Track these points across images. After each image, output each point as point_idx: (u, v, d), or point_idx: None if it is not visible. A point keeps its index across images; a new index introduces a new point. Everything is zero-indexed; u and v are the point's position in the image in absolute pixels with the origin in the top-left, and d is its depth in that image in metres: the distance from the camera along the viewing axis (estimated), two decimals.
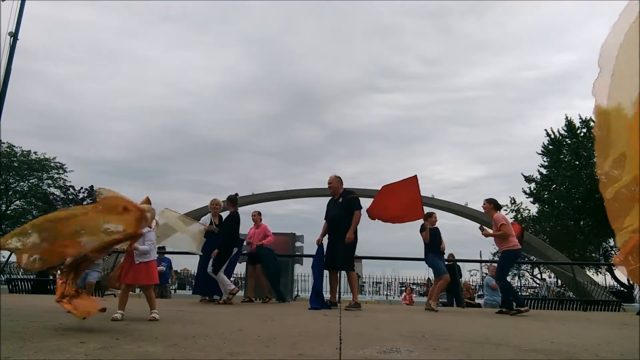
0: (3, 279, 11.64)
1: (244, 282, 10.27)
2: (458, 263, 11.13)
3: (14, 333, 3.09)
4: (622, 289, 25.51)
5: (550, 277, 31.59)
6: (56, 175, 33.50)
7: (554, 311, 9.63)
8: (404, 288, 20.39)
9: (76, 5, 73.00)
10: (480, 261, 19.80)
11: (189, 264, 23.22)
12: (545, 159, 32.13)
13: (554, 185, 30.83)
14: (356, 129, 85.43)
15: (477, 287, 18.74)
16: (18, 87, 43.44)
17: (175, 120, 78.43)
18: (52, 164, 33.08)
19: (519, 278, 32.80)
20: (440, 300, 11.93)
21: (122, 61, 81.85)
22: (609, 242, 29.63)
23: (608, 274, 28.26)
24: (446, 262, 11.53)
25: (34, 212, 32.75)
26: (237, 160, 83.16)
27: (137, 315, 4.16)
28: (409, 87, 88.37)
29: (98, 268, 7.81)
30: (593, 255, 31.01)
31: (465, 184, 73.01)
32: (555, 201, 30.32)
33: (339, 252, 6.57)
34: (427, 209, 7.68)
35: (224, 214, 7.84)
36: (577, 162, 29.05)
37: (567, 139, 30.83)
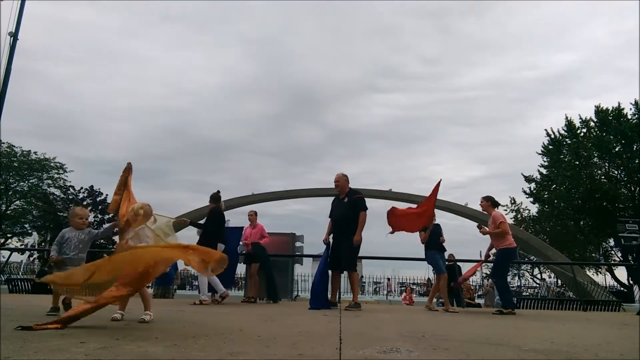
0: (3, 279, 11.65)
1: (244, 282, 10.26)
2: (458, 263, 11.13)
3: (14, 333, 3.09)
4: (622, 289, 25.52)
5: (550, 277, 31.63)
6: (56, 175, 33.53)
7: (554, 311, 9.63)
8: (404, 288, 20.39)
9: (76, 5, 72.96)
10: (480, 261, 19.79)
11: None
12: (545, 159, 32.16)
13: (554, 185, 30.84)
14: (356, 129, 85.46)
15: (477, 287, 18.75)
16: (18, 87, 43.41)
17: (175, 120, 78.45)
18: (52, 164, 33.09)
19: (519, 278, 32.83)
20: (440, 300, 11.95)
21: (122, 61, 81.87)
22: (609, 242, 29.66)
23: (608, 274, 28.29)
24: (446, 263, 11.57)
25: (34, 212, 32.77)
26: (237, 160, 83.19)
27: (137, 316, 4.15)
28: (409, 87, 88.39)
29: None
30: (593, 255, 31.02)
31: (465, 184, 72.97)
32: (555, 201, 30.33)
33: (343, 253, 6.55)
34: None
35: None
36: (577, 162, 29.04)
37: (567, 139, 30.84)
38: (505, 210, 34.46)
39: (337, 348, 2.85)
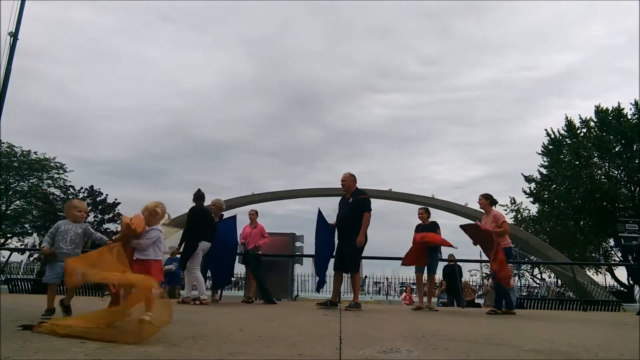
0: (3, 279, 11.64)
1: (244, 282, 10.25)
2: (458, 263, 11.14)
3: (14, 333, 3.09)
4: (622, 289, 25.52)
5: (550, 277, 31.60)
6: (56, 175, 33.49)
7: (554, 311, 9.64)
8: (404, 288, 20.37)
9: (76, 6, 72.95)
10: (481, 261, 19.80)
11: None
12: (545, 159, 32.16)
13: (554, 185, 30.84)
14: (356, 129, 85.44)
15: (478, 287, 18.73)
16: (18, 87, 43.46)
17: (175, 120, 78.42)
18: (52, 164, 33.05)
19: (519, 278, 32.80)
20: (440, 300, 11.95)
21: (122, 61, 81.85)
22: (609, 242, 29.66)
23: (608, 274, 28.28)
24: (446, 263, 11.58)
25: (34, 212, 32.75)
26: (237, 160, 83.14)
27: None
28: (408, 87, 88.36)
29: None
30: (593, 255, 31.02)
31: (465, 184, 72.92)
32: (555, 201, 30.33)
33: (346, 254, 6.56)
34: (415, 206, 7.74)
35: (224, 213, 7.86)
36: (577, 162, 29.04)
37: (567, 139, 30.84)
38: (505, 210, 34.49)
39: (337, 348, 2.85)
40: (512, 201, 34.61)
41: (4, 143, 29.87)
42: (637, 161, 27.74)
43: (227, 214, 7.99)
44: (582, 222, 30.22)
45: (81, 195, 33.83)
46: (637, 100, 28.57)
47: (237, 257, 8.09)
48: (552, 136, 31.43)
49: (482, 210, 6.93)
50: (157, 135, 75.47)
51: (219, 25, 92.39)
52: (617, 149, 28.54)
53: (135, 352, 2.58)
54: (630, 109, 28.77)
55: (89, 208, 33.37)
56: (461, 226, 6.87)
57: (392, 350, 2.83)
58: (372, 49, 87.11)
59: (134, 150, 71.37)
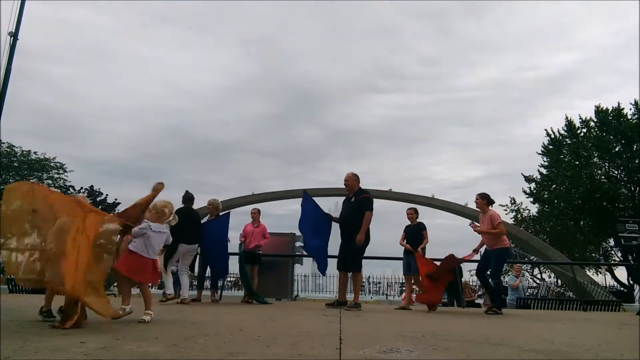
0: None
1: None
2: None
3: (14, 333, 3.09)
4: (622, 289, 25.51)
5: (550, 277, 31.57)
6: (56, 175, 33.46)
7: (554, 311, 9.63)
8: (404, 288, 20.35)
9: (76, 6, 72.92)
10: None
11: None
12: (545, 159, 32.12)
13: (554, 185, 30.81)
14: (356, 129, 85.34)
15: (478, 287, 18.72)
16: (18, 87, 43.42)
17: (175, 120, 78.34)
18: (52, 164, 33.04)
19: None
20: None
21: (122, 61, 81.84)
22: (609, 242, 29.64)
23: (608, 274, 28.26)
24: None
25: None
26: (237, 160, 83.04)
27: (137, 316, 4.15)
28: (408, 87, 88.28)
29: None
30: (593, 255, 31.00)
31: (465, 184, 72.79)
32: (555, 201, 30.31)
33: (347, 253, 6.57)
34: (418, 207, 7.80)
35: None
36: (577, 162, 29.01)
37: (567, 139, 30.81)
38: (505, 210, 34.46)
39: (337, 348, 2.85)
40: (512, 201, 34.59)
41: (4, 143, 29.87)
42: (637, 161, 27.73)
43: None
44: (582, 222, 30.20)
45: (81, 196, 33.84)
46: (637, 100, 28.56)
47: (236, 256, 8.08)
48: (552, 136, 31.41)
49: (479, 210, 6.93)
50: (157, 135, 75.45)
51: (219, 25, 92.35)
52: (617, 149, 28.51)
53: (136, 352, 2.58)
54: (630, 109, 28.77)
55: None
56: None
57: (392, 350, 2.83)
58: (372, 49, 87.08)
59: (134, 150, 71.29)
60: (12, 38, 10.01)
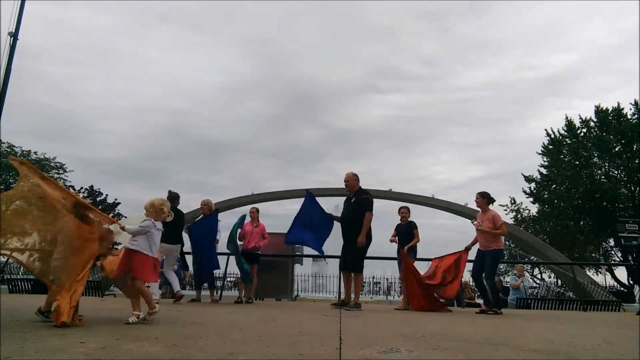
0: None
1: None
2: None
3: (14, 333, 3.09)
4: (622, 289, 25.52)
5: (550, 277, 31.58)
6: (56, 175, 33.44)
7: (554, 311, 9.63)
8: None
9: (76, 6, 72.90)
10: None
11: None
12: (545, 159, 32.15)
13: (554, 185, 30.82)
14: (356, 129, 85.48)
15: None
16: (18, 87, 43.45)
17: (175, 120, 78.44)
18: (52, 164, 33.08)
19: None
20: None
21: (122, 61, 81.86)
22: (609, 242, 29.64)
23: (608, 274, 28.27)
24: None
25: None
26: (237, 160, 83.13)
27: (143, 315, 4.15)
28: (408, 87, 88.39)
29: None
30: (593, 255, 31.00)
31: (465, 184, 72.88)
32: (555, 201, 30.31)
33: (349, 254, 6.57)
34: (418, 207, 7.80)
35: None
36: (577, 162, 29.02)
37: (567, 139, 30.83)
38: (505, 210, 34.49)
39: (337, 348, 2.85)
40: (512, 201, 34.61)
41: (4, 143, 29.87)
42: (637, 161, 27.74)
43: (227, 214, 8.00)
44: (582, 222, 30.21)
45: (81, 196, 33.84)
46: (637, 100, 28.59)
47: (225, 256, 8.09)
48: (552, 136, 31.43)
49: (479, 208, 6.92)
50: (157, 135, 75.53)
51: (218, 25, 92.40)
52: (617, 149, 28.53)
53: (136, 352, 2.58)
54: (630, 109, 28.79)
55: None
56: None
57: (392, 350, 2.82)
58: (372, 49, 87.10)
59: (134, 150, 71.39)
60: (12, 38, 10.01)
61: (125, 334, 3.19)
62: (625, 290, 24.20)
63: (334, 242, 7.53)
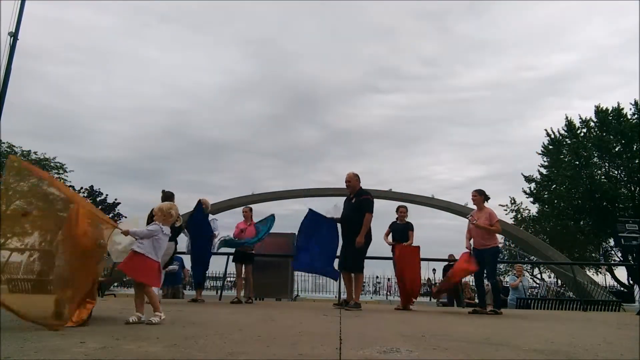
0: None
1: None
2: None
3: (14, 333, 3.09)
4: (622, 289, 25.50)
5: (550, 277, 31.59)
6: (56, 175, 33.47)
7: (554, 311, 9.63)
8: None
9: (76, 6, 72.92)
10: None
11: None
12: (545, 159, 32.15)
13: (554, 185, 30.82)
14: (356, 129, 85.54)
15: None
16: (18, 87, 43.44)
17: (175, 120, 78.52)
18: (52, 164, 33.07)
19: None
20: (440, 300, 11.90)
21: (122, 61, 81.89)
22: (609, 242, 29.63)
23: (608, 274, 28.26)
24: (446, 262, 11.54)
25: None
26: (237, 160, 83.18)
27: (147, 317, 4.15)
28: (408, 87, 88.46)
29: None
30: (593, 255, 30.99)
31: (465, 184, 72.98)
32: (555, 201, 30.31)
33: (349, 254, 6.58)
34: (418, 207, 7.78)
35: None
36: (577, 162, 29.01)
37: (567, 139, 30.83)
38: (505, 210, 34.50)
39: (337, 348, 2.85)
40: (512, 201, 34.63)
41: (4, 143, 29.86)
42: (637, 161, 27.73)
43: (227, 214, 7.99)
44: (582, 222, 30.20)
45: (81, 196, 33.84)
46: (637, 100, 28.59)
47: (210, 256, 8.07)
48: (552, 136, 31.43)
49: (475, 206, 6.93)
50: (157, 135, 75.57)
51: (218, 25, 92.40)
52: (617, 149, 28.53)
53: (136, 352, 2.58)
54: (630, 109, 28.80)
55: None
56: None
57: (392, 350, 2.82)
58: (372, 49, 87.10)
59: (134, 150, 71.45)
60: (12, 38, 10.00)
61: (125, 334, 3.19)
62: (625, 290, 24.18)
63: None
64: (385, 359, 2.60)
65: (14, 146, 31.36)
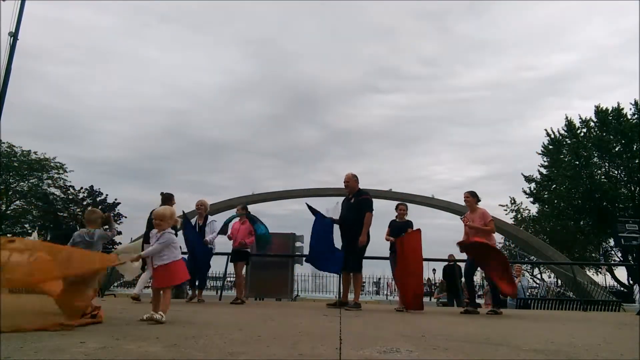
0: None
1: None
2: (458, 263, 11.13)
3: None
4: (622, 289, 25.51)
5: (550, 277, 31.59)
6: (56, 175, 33.46)
7: (554, 311, 9.63)
8: None
9: (76, 6, 72.91)
10: None
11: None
12: (545, 159, 32.17)
13: (554, 185, 30.84)
14: (356, 129, 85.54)
15: (478, 287, 18.71)
16: (18, 87, 43.47)
17: (175, 120, 78.48)
18: (52, 164, 33.03)
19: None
20: (440, 300, 11.92)
21: (121, 61, 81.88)
22: (609, 242, 29.65)
23: (608, 274, 28.27)
24: (446, 263, 11.56)
25: (34, 212, 32.74)
26: (237, 160, 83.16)
27: (137, 316, 4.15)
28: (408, 87, 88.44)
29: None
30: (593, 255, 31.01)
31: (465, 184, 73.12)
32: (555, 201, 30.33)
33: (349, 254, 6.58)
34: (418, 207, 7.72)
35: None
36: (577, 162, 29.03)
37: (567, 139, 30.84)
38: (505, 210, 34.52)
39: (337, 348, 2.85)
40: (512, 201, 34.67)
41: (4, 143, 29.86)
42: (637, 161, 27.74)
43: (227, 214, 7.96)
44: (582, 222, 30.22)
45: (81, 195, 33.86)
46: (637, 100, 28.60)
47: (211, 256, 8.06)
48: (552, 136, 31.45)
49: (468, 207, 6.92)
50: (157, 135, 75.54)
51: (218, 25, 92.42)
52: (617, 149, 28.54)
53: (136, 352, 2.58)
54: (630, 109, 28.82)
55: (89, 208, 33.34)
56: (460, 246, 6.74)
57: (392, 350, 2.82)
58: (372, 49, 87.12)
59: (134, 150, 71.38)
60: (12, 38, 10.00)
61: (125, 334, 3.19)
62: (625, 290, 24.19)
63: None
64: (385, 359, 2.60)
65: (14, 146, 31.38)
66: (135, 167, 68.43)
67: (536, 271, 32.81)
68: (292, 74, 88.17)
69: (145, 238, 7.11)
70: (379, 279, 26.22)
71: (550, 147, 31.52)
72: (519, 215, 34.62)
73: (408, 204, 8.07)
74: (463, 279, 12.28)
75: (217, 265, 9.64)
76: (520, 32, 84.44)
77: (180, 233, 7.32)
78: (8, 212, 31.72)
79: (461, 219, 6.91)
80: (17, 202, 32.78)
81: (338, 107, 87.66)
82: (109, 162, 62.64)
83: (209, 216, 7.76)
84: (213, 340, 3.07)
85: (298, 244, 13.32)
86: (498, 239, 34.87)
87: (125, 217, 34.37)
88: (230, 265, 8.12)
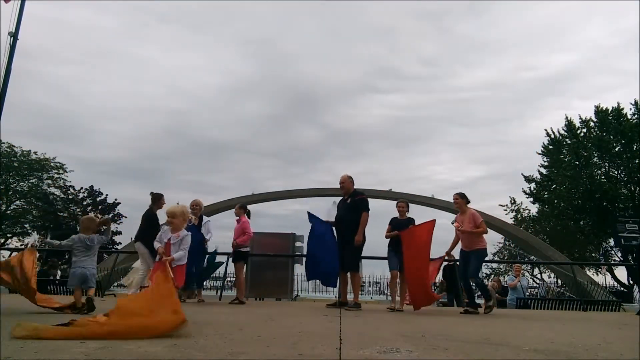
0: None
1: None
2: (458, 263, 11.12)
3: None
4: (622, 289, 25.50)
5: (550, 277, 31.59)
6: (56, 175, 33.47)
7: (554, 311, 9.63)
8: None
9: (76, 6, 72.92)
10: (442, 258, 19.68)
11: None
12: (545, 159, 32.15)
13: (554, 185, 30.81)
14: (356, 129, 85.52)
15: (475, 287, 18.71)
16: (18, 87, 43.45)
17: (175, 120, 78.45)
18: (52, 164, 33.03)
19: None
20: (440, 300, 11.88)
21: (121, 61, 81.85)
22: (609, 242, 29.64)
23: (608, 274, 28.26)
24: (446, 262, 11.53)
25: (34, 212, 32.75)
26: (237, 160, 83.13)
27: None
28: (408, 87, 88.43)
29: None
30: (593, 255, 30.99)
31: (465, 184, 72.95)
32: (555, 201, 30.30)
33: (346, 253, 6.61)
34: (418, 207, 7.70)
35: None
36: (577, 162, 29.01)
37: (567, 139, 30.82)
38: (505, 210, 34.49)
39: (337, 348, 2.85)
40: (512, 201, 34.62)
41: (4, 143, 29.86)
42: (637, 161, 27.73)
43: (227, 214, 7.99)
44: (582, 222, 30.20)
45: (81, 195, 33.88)
46: (637, 100, 28.59)
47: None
48: (552, 136, 31.42)
49: (458, 208, 6.92)
50: (157, 135, 75.53)
51: (218, 25, 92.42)
52: (617, 149, 28.52)
53: (135, 352, 2.57)
54: (630, 109, 28.79)
55: (89, 208, 33.40)
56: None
57: (392, 350, 2.82)
58: (372, 49, 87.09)
59: (134, 150, 71.34)
60: (12, 38, 9.99)
61: None
62: (625, 290, 24.17)
63: None
64: (385, 359, 2.60)
65: (14, 146, 31.38)
66: (135, 167, 68.42)
67: (536, 271, 32.83)
68: (292, 74, 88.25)
69: (141, 235, 7.13)
70: (381, 279, 26.19)
71: (550, 147, 31.49)
72: (519, 215, 34.61)
73: (409, 204, 7.98)
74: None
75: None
76: (520, 32, 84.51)
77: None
78: (8, 212, 31.71)
79: (452, 223, 6.88)
80: (17, 202, 32.79)
81: (338, 107, 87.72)
82: (109, 162, 62.68)
83: (204, 216, 7.75)
84: (213, 340, 3.07)
85: (298, 244, 13.31)
86: (498, 238, 34.93)
87: (125, 217, 34.42)
88: (231, 265, 8.13)
